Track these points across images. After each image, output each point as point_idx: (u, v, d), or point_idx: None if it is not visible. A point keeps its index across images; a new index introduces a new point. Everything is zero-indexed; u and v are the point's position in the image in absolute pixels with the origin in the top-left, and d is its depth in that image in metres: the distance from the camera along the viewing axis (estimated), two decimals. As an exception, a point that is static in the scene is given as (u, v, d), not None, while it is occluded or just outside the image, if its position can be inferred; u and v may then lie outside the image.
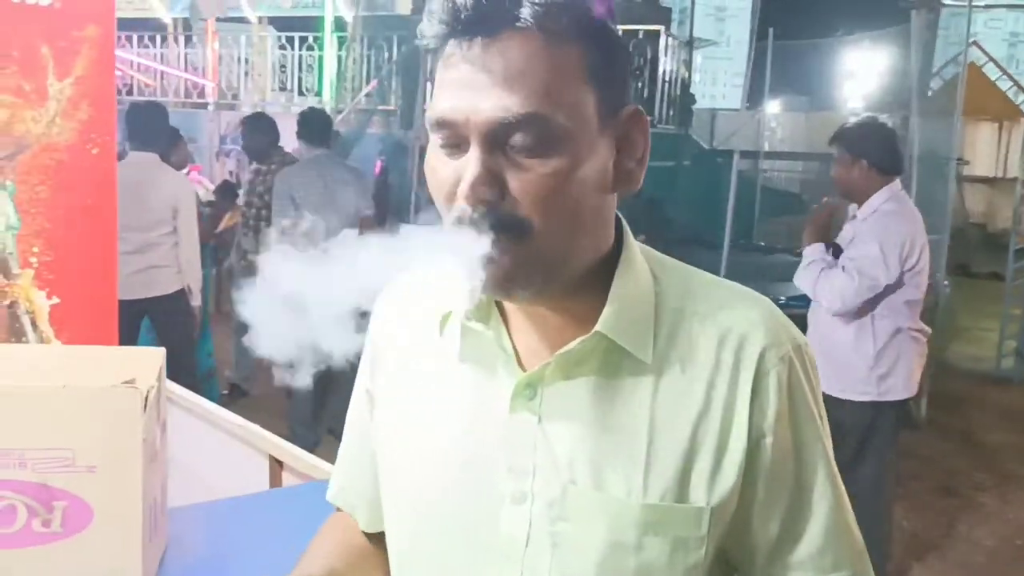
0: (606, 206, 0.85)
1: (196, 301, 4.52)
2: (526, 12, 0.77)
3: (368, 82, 9.53)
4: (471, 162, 0.78)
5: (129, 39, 11.66)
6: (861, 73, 11.58)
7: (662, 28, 10.63)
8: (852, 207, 3.33)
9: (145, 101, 5.71)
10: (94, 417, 1.25)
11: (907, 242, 3.13)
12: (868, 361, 3.16)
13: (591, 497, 0.84)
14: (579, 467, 0.84)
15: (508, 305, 0.89)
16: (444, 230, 0.81)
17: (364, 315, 0.92)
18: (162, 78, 12.07)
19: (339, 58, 10.92)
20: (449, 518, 0.89)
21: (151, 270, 4.29)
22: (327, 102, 10.41)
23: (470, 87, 0.78)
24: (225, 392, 5.47)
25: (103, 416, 1.25)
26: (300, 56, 11.60)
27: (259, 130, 5.27)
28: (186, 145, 5.28)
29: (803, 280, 3.24)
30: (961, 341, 7.73)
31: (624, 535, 0.83)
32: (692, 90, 12.04)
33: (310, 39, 11.50)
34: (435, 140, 0.82)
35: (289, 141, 5.33)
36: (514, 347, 0.88)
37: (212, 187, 7.58)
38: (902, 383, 3.21)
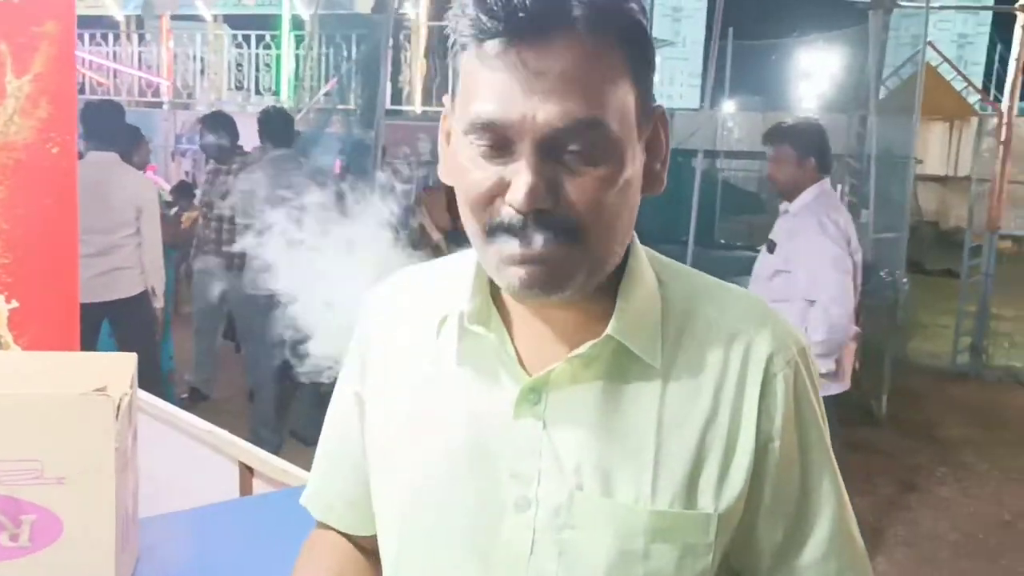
0: (636, 209, 0.84)
1: (159, 303, 4.45)
2: (579, 12, 0.74)
3: (327, 81, 9.42)
4: (526, 170, 0.75)
5: (81, 37, 11.43)
6: (817, 73, 11.73)
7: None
8: (783, 204, 3.44)
9: (100, 99, 5.62)
10: (64, 426, 1.20)
11: (848, 230, 3.29)
12: None
13: (599, 504, 0.82)
14: (586, 473, 0.82)
15: (511, 308, 0.87)
16: (480, 234, 0.79)
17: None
18: (115, 76, 11.87)
19: (297, 57, 10.80)
20: (447, 524, 0.86)
21: (113, 272, 4.21)
22: (285, 101, 10.30)
23: (525, 90, 0.74)
24: (184, 396, 5.37)
25: (74, 425, 1.20)
26: (257, 55, 11.48)
27: (218, 129, 5.17)
28: (147, 144, 5.18)
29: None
30: (918, 338, 7.85)
31: (632, 542, 0.82)
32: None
33: (267, 37, 11.38)
34: (470, 142, 0.78)
35: (248, 140, 5.25)
36: (516, 351, 0.86)
37: (168, 187, 7.46)
38: (836, 377, 3.28)
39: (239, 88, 11.84)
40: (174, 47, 11.74)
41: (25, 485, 1.20)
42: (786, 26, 12.00)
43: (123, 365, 1.34)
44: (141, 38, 12.24)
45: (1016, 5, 7.03)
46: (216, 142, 5.16)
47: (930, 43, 8.09)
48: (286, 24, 11.09)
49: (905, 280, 6.31)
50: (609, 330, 0.82)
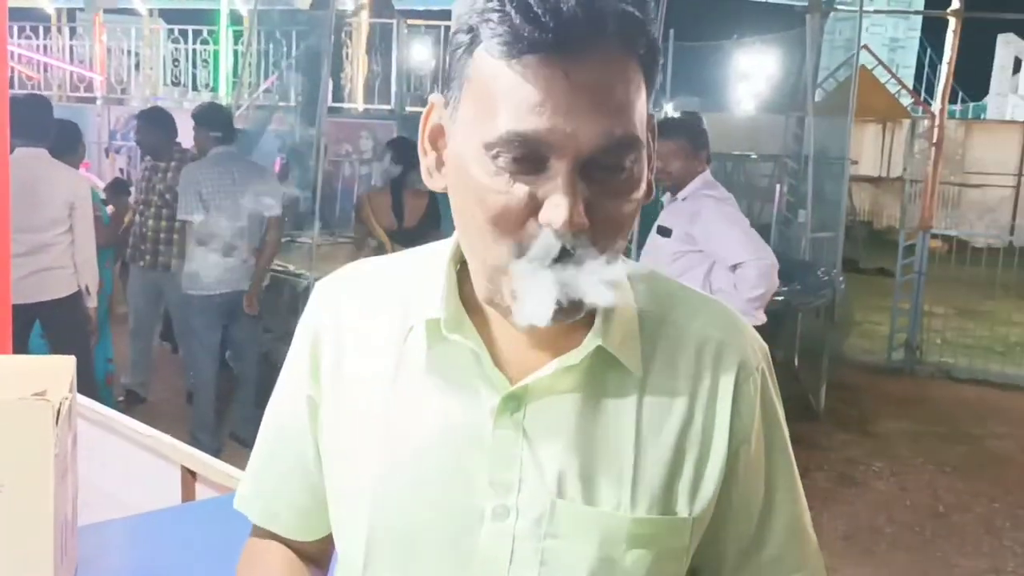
0: None
1: (92, 303, 4.32)
2: (614, 27, 0.71)
3: (266, 78, 9.28)
4: (565, 188, 0.71)
5: (10, 30, 11.10)
6: (756, 75, 11.90)
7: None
8: (666, 196, 3.64)
9: (26, 94, 5.44)
10: (1, 432, 1.15)
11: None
12: None
13: (582, 512, 0.81)
14: (568, 481, 0.81)
15: (486, 313, 0.84)
16: (505, 256, 0.74)
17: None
18: (46, 70, 11.54)
19: (235, 53, 10.63)
20: (419, 534, 0.83)
21: (44, 272, 4.08)
22: (223, 97, 10.12)
23: (567, 106, 0.70)
24: (121, 399, 5.24)
25: (11, 431, 1.16)
26: (194, 50, 11.26)
27: (155, 125, 5.05)
28: (82, 140, 5.04)
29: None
30: (854, 334, 8.02)
31: (614, 550, 0.81)
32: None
33: (204, 32, 11.17)
34: (492, 156, 0.73)
35: (186, 137, 5.14)
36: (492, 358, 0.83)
37: (103, 184, 7.28)
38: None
39: (176, 84, 11.60)
40: (107, 41, 11.45)
41: (-42, 494, 1.16)
42: (726, 28, 12.16)
43: (61, 368, 1.29)
44: (73, 31, 11.94)
45: (948, 10, 7.20)
46: (152, 138, 5.04)
47: (865, 46, 8.28)
48: (224, 19, 10.90)
49: (842, 278, 6.43)
50: (600, 340, 0.81)
